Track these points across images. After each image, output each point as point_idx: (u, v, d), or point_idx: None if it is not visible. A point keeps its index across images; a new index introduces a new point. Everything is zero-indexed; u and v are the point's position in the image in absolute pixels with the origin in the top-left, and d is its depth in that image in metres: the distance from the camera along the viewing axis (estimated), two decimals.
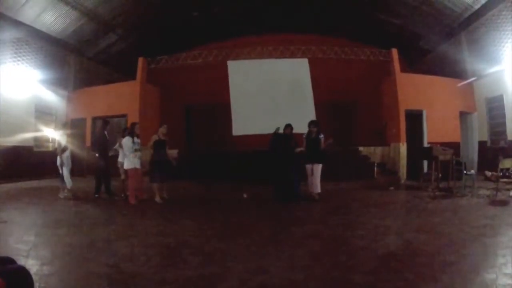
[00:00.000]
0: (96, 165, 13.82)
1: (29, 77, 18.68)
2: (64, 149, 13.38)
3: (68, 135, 13.87)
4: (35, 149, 19.63)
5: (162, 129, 12.64)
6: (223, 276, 5.49)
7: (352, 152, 20.53)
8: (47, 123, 20.40)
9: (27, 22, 17.35)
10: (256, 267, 5.86)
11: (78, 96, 22.03)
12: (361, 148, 20.80)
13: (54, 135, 19.41)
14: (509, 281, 5.15)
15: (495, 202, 11.65)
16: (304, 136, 12.84)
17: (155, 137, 12.43)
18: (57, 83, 20.83)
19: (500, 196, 12.25)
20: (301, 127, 13.27)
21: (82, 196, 13.58)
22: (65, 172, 13.30)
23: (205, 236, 8.03)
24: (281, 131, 13.19)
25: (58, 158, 13.27)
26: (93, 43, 21.86)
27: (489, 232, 8.01)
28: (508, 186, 12.50)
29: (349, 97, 23.21)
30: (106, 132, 13.99)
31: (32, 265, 5.78)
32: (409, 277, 5.44)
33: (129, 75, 21.95)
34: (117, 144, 13.30)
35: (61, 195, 13.29)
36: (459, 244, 7.16)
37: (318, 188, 12.51)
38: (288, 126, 13.07)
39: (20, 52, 17.88)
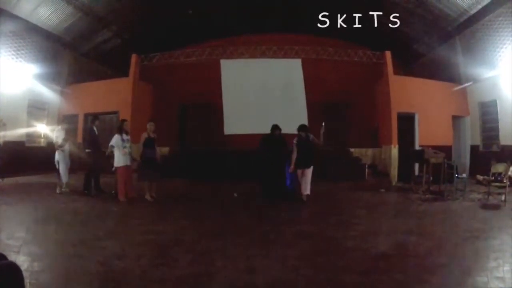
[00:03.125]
0: (86, 161, 13.72)
1: (23, 71, 18.34)
2: (61, 145, 13.40)
3: (66, 131, 13.85)
4: (27, 145, 19.39)
5: (149, 126, 12.49)
6: (213, 275, 5.49)
7: (343, 153, 20.47)
8: (39, 118, 20.18)
9: (23, 16, 17.11)
10: (247, 267, 5.85)
11: (71, 92, 21.74)
12: (352, 150, 20.74)
13: (48, 130, 19.46)
14: (500, 285, 5.14)
15: (486, 206, 11.63)
16: (294, 141, 12.54)
17: (144, 135, 12.31)
18: (50, 79, 20.52)
19: (492, 200, 12.18)
20: (292, 128, 13.15)
21: (74, 192, 13.40)
22: (62, 168, 13.27)
23: (196, 235, 7.99)
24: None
25: (56, 153, 13.36)
26: (87, 39, 21.59)
27: (480, 235, 7.98)
28: (500, 190, 12.30)
29: (342, 98, 23.13)
30: (95, 128, 13.82)
31: (23, 261, 5.75)
32: (400, 278, 5.45)
33: (122, 72, 21.70)
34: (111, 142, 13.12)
35: (57, 190, 13.24)
36: (450, 247, 7.20)
37: (307, 190, 12.35)
38: (276, 128, 13.09)
39: (14, 46, 17.59)
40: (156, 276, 5.39)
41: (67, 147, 13.52)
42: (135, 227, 8.68)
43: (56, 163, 13.41)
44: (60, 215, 10.06)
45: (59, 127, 14.05)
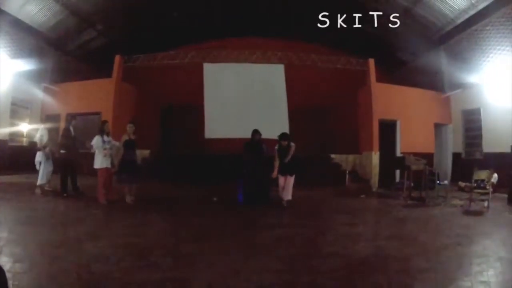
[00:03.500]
0: (62, 162, 13.18)
1: (7, 68, 17.87)
2: (45, 145, 13.20)
3: (50, 131, 13.61)
4: (10, 144, 18.94)
5: (129, 128, 12.18)
6: (194, 279, 5.33)
7: (324, 159, 20.23)
8: (22, 117, 19.80)
9: (11, 12, 16.76)
10: (227, 270, 5.73)
11: (54, 91, 21.28)
12: (333, 156, 20.47)
13: (31, 129, 19.20)
14: None
15: (469, 212, 11.45)
16: (276, 148, 12.29)
17: (125, 137, 12.00)
18: (34, 77, 20.02)
19: (474, 206, 12.02)
20: (273, 133, 12.92)
21: (54, 194, 13.00)
22: (43, 168, 12.98)
23: (176, 238, 7.82)
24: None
25: (38, 154, 13.21)
26: (73, 38, 21.18)
27: (463, 241, 7.82)
28: (482, 197, 12.23)
29: (324, 104, 23.18)
30: (71, 128, 13.36)
31: (5, 262, 5.59)
32: (381, 283, 5.34)
33: (106, 72, 21.24)
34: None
35: (37, 191, 12.91)
36: (432, 252, 6.99)
37: (289, 196, 12.10)
38: (256, 132, 12.84)
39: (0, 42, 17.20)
40: (136, 279, 5.23)
41: (47, 148, 13.19)
42: (115, 230, 8.40)
43: (37, 163, 13.14)
44: (40, 216, 9.76)
45: (43, 126, 13.64)
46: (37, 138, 13.74)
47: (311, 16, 19.49)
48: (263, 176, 12.56)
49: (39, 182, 12.95)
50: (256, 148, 12.73)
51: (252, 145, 12.86)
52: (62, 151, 13.01)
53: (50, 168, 13.28)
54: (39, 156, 13.12)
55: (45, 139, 13.18)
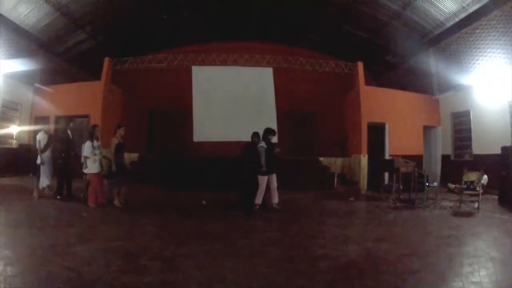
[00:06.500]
0: (59, 166, 12.73)
1: None
2: (43, 150, 12.78)
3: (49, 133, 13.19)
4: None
5: (121, 131, 11.89)
6: (182, 283, 5.29)
7: (312, 162, 19.80)
8: (11, 118, 19.21)
9: (2, 13, 16.31)
10: (216, 274, 5.66)
11: (44, 93, 20.64)
12: (321, 159, 20.05)
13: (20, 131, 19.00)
14: None
15: (458, 214, 11.19)
16: (264, 145, 11.70)
17: (115, 141, 11.68)
18: (24, 79, 19.50)
19: (464, 207, 11.74)
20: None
21: (46, 197, 12.67)
22: (42, 171, 12.66)
23: (165, 242, 7.61)
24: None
25: (39, 156, 12.77)
26: (62, 40, 20.61)
27: (453, 242, 7.74)
28: (472, 198, 12.07)
29: (312, 107, 22.96)
30: (69, 131, 13.07)
31: None
32: (371, 285, 5.25)
33: (95, 75, 20.97)
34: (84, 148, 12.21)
35: (34, 194, 12.62)
36: (423, 253, 6.88)
37: (276, 198, 11.62)
38: (256, 134, 12.27)
39: None
40: (126, 283, 5.18)
41: (47, 153, 12.79)
42: (104, 233, 8.17)
43: (41, 165, 12.74)
44: (30, 219, 9.44)
45: (43, 130, 13.17)
46: (37, 142, 13.32)
47: (299, 20, 19.22)
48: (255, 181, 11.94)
49: (40, 185, 12.72)
50: (253, 151, 12.11)
51: (250, 148, 12.32)
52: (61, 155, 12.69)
53: (48, 171, 12.83)
54: (39, 159, 12.72)
55: (43, 143, 12.73)
